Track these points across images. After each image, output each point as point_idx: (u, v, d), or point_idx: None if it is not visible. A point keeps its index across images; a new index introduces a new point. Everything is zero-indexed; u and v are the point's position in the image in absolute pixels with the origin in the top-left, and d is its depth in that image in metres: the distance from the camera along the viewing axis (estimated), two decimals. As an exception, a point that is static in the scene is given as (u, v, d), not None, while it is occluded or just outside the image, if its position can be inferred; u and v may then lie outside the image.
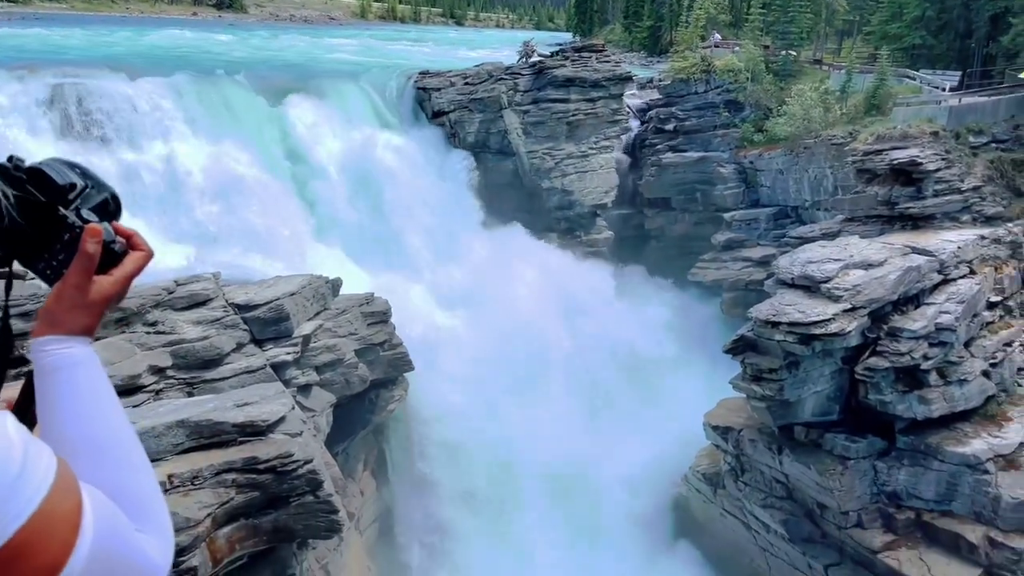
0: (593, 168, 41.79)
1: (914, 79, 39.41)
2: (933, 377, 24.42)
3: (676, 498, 33.63)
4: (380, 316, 26.92)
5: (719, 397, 30.80)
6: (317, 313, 24.86)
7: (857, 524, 25.28)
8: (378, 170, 35.79)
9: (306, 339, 23.51)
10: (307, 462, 17.17)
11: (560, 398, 34.61)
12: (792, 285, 25.77)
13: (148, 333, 20.78)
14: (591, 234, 42.65)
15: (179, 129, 30.78)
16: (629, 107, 46.52)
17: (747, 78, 43.41)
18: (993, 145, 31.38)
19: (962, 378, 24.52)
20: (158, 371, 20.08)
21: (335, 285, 26.30)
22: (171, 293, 21.73)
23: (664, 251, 45.27)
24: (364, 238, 34.52)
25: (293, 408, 18.39)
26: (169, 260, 27.41)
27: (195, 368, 20.85)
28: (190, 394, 20.12)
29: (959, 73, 39.60)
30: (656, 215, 45.55)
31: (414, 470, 30.52)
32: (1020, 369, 26.03)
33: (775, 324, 24.45)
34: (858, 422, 25.98)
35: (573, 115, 41.04)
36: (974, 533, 23.49)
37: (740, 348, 26.52)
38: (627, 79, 43.53)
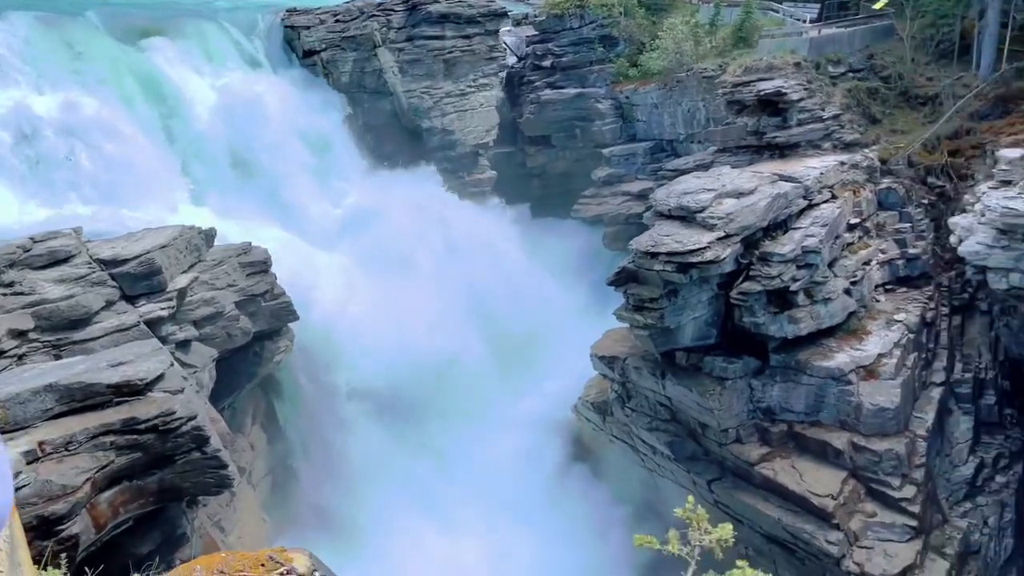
0: (473, 107, 41.37)
1: (777, 12, 40.67)
2: (801, 298, 25.86)
3: (568, 427, 34.67)
4: (259, 266, 26.05)
5: (605, 328, 31.71)
6: (192, 266, 23.78)
7: (736, 440, 26.79)
8: (248, 114, 34.17)
9: (181, 293, 22.49)
10: (191, 419, 16.58)
11: (452, 336, 34.75)
12: (669, 216, 26.53)
13: (5, 295, 19.37)
14: (474, 174, 42.46)
15: (23, 76, 28.34)
16: (506, 44, 46.10)
17: (620, 12, 43.69)
18: (850, 75, 32.94)
19: (827, 297, 26.08)
20: (19, 334, 18.80)
21: (209, 236, 25.19)
22: (27, 251, 20.24)
23: (547, 188, 45.66)
24: (237, 185, 33.13)
25: (172, 365, 17.63)
26: (25, 217, 25.50)
27: (61, 329, 19.64)
28: (57, 356, 18.98)
29: (818, 5, 41.12)
30: (537, 153, 45.73)
31: (306, 418, 30.13)
32: (877, 286, 27.90)
33: (654, 255, 25.19)
34: (734, 344, 27.32)
35: (449, 52, 40.31)
36: (840, 439, 25.33)
37: (622, 280, 27.23)
38: (502, 15, 43.03)
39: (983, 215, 22.67)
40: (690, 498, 6.53)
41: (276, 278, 26.65)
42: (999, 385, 26.80)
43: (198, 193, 31.46)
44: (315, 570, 8.44)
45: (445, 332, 34.32)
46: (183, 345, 22.51)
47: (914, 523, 24.12)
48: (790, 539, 25.51)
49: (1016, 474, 26.14)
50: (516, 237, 41.21)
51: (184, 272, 23.15)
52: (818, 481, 25.00)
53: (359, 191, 37.34)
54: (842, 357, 25.63)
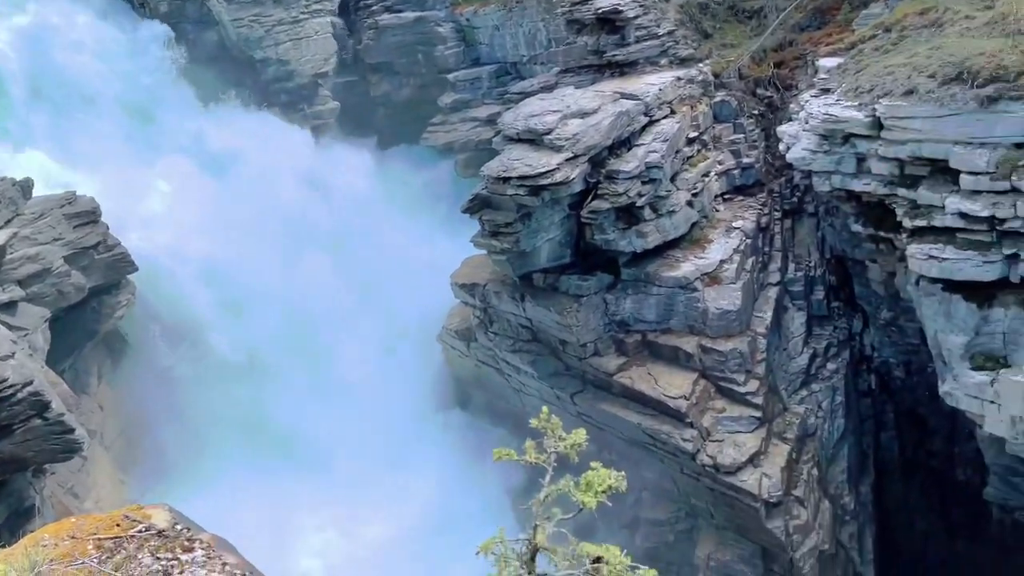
0: (308, 34, 39.50)
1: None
2: (647, 212, 26.81)
3: (434, 357, 34.92)
4: (87, 216, 24.22)
5: (463, 256, 31.82)
6: (8, 220, 21.81)
7: (595, 353, 27.84)
8: (55, 47, 31.14)
9: (0, 251, 20.63)
10: (26, 384, 15.47)
11: (306, 277, 33.90)
12: (518, 140, 26.63)
13: None
14: (315, 106, 40.83)
15: None
16: (337, -35, 43.98)
17: (455, -69, 42.53)
18: (681, -11, 33.66)
19: (671, 210, 27.16)
20: None
21: (25, 187, 23.09)
22: None
23: (394, 118, 44.57)
24: (51, 131, 30.38)
25: (-3, 329, 16.29)
26: None
27: None
28: None
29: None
30: (380, 81, 44.38)
31: (157, 373, 28.78)
32: (716, 196, 29.28)
33: (506, 179, 25.32)
34: (587, 262, 28.13)
35: (276, -25, 38.13)
36: (689, 344, 26.83)
37: (476, 206, 27.27)
38: (331, -66, 40.93)
39: (806, 122, 24.06)
40: (544, 408, 6.74)
41: (108, 228, 24.92)
42: (827, 281, 29.03)
43: (3, 139, 28.67)
44: (176, 523, 8.15)
45: (298, 274, 33.44)
46: (8, 307, 20.79)
47: (758, 414, 26.09)
48: (649, 440, 27.06)
49: (844, 360, 28.65)
50: (366, 169, 40.27)
51: (0, 228, 21.20)
52: (672, 384, 26.48)
53: (191, 130, 35.17)
54: (687, 266, 26.91)
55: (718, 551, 27.11)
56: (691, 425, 25.96)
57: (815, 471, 27.07)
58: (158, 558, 7.68)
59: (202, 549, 7.82)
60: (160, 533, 8.05)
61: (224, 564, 7.66)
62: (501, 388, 32.01)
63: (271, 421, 31.15)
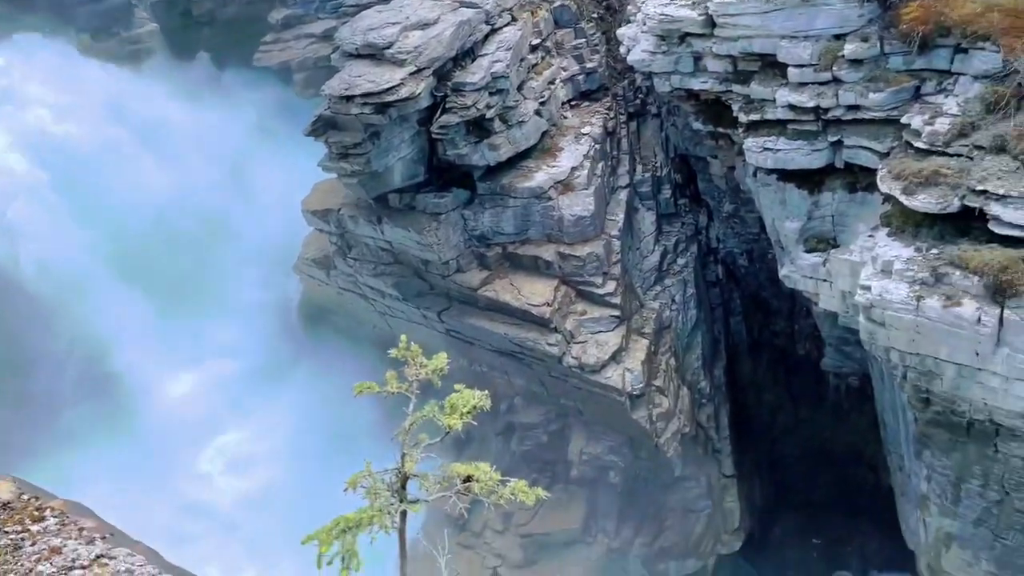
0: (114, -50, 35.96)
1: None
2: (497, 124, 26.63)
3: (294, 288, 33.99)
4: None
5: (312, 182, 30.72)
6: None
7: (458, 269, 27.90)
8: None
9: None
10: None
11: (145, 221, 31.88)
12: (358, 56, 25.57)
13: None
14: (132, 29, 37.53)
15: None
16: None
17: None
18: None
19: (520, 120, 27.08)
20: None
21: None
22: None
23: (222, 38, 41.63)
24: None
25: None
26: None
27: None
28: None
29: None
30: (202, -3, 41.23)
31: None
32: (563, 103, 29.43)
33: (349, 98, 24.39)
34: (442, 179, 27.81)
35: None
36: (548, 252, 27.33)
37: (321, 128, 26.23)
38: None
39: (644, 24, 24.33)
40: (403, 337, 6.68)
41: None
42: (672, 179, 30.09)
43: None
44: (22, 493, 7.65)
45: (138, 218, 31.38)
46: None
47: (617, 313, 27.16)
48: (517, 349, 27.71)
49: (692, 254, 30.11)
50: (196, 95, 37.68)
51: None
52: (534, 293, 27.03)
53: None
54: (541, 176, 27.13)
55: (589, 445, 28.50)
56: (555, 330, 26.73)
57: (673, 361, 28.66)
58: (5, 532, 7.23)
59: (54, 517, 7.42)
60: (5, 506, 7.57)
61: (81, 529, 7.30)
62: (366, 314, 31.67)
63: (130, 369, 29.71)
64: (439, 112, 25.90)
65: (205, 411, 30.02)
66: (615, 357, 26.70)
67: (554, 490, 29.04)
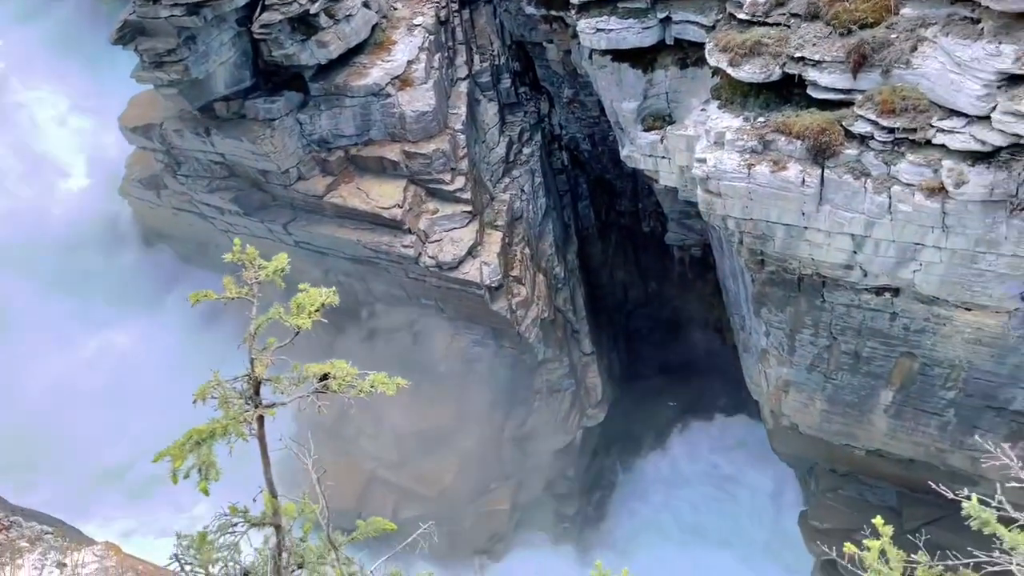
0: None
1: None
2: (324, 19, 25.18)
3: (124, 213, 31.75)
4: None
5: (128, 96, 28.34)
6: None
7: (299, 178, 26.82)
8: None
9: None
10: None
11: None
12: (160, -49, 23.29)
13: None
14: None
15: None
16: None
17: None
18: None
19: (348, 14, 25.72)
20: None
21: None
22: None
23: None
24: None
25: None
26: None
27: None
28: None
29: None
30: None
31: None
32: (393, -7, 28.18)
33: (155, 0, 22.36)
34: (272, 83, 26.28)
35: None
36: (393, 152, 26.66)
37: (128, 35, 23.99)
38: None
39: (468, -95, 23.45)
40: (236, 240, 6.33)
41: None
42: (511, 68, 29.76)
43: None
44: None
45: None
46: None
47: (469, 208, 27.10)
48: (372, 254, 27.29)
49: (537, 143, 30.23)
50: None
51: None
52: (383, 195, 26.48)
53: None
54: (376, 72, 26.13)
55: (454, 341, 28.88)
56: (409, 231, 26.44)
57: (527, 250, 29.12)
58: None
59: None
60: None
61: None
62: (208, 233, 30.10)
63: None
64: (259, 10, 24.22)
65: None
66: (471, 252, 26.81)
67: (424, 388, 29.45)
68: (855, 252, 19.62)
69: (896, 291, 20.14)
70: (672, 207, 27.69)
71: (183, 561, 6.42)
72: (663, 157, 23.27)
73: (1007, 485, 5.77)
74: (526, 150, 29.79)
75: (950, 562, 6.08)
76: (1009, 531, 5.96)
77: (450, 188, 26.86)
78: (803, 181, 18.68)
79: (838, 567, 27.33)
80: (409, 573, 7.96)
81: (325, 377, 5.96)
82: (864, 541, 6.94)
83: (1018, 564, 5.23)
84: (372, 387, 5.96)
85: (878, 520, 7.05)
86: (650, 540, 30.87)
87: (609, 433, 33.95)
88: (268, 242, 27.89)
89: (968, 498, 6.14)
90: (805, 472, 29.11)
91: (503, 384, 29.41)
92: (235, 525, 6.39)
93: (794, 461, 28.77)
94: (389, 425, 28.79)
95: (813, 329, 22.52)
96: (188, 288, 28.97)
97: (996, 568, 5.21)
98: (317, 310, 6.09)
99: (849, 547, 6.92)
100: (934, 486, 7.50)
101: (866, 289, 20.47)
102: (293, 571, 6.92)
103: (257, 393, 5.92)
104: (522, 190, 29.32)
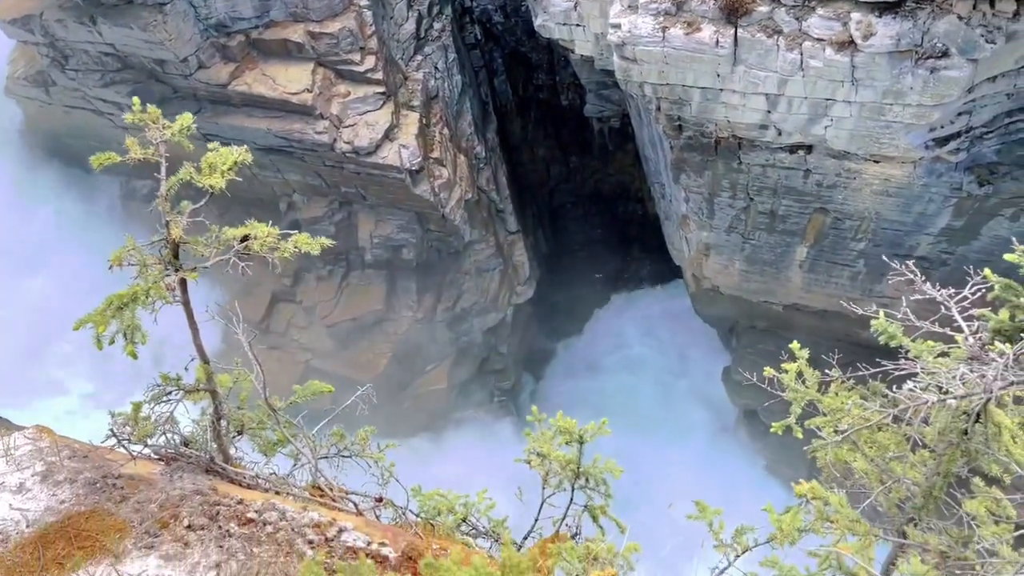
0: None
1: None
2: None
3: (12, 112, 29.74)
4: None
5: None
6: None
7: (200, 66, 25.41)
8: None
9: None
10: None
11: None
12: None
13: None
14: None
15: None
16: None
17: None
18: None
19: None
20: None
21: None
22: None
23: None
24: None
25: None
26: None
27: None
28: None
29: None
30: None
31: None
32: None
33: None
34: (158, -38, 24.42)
35: None
36: (297, 33, 25.38)
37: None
38: None
39: None
40: (135, 99, 5.99)
41: None
42: (415, -63, 28.33)
43: None
44: None
45: None
46: None
47: (382, 89, 26.26)
48: (285, 143, 26.38)
49: (448, 17, 29.13)
50: None
51: None
52: (291, 80, 25.41)
53: None
54: (271, -54, 24.54)
55: (378, 228, 28.56)
56: (321, 117, 25.58)
57: (446, 130, 28.57)
58: None
59: None
60: None
61: None
62: (106, 130, 28.48)
63: None
64: None
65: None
66: (388, 135, 26.17)
67: (352, 277, 29.31)
68: (769, 112, 19.89)
69: (809, 148, 20.63)
70: (589, 78, 27.37)
71: (120, 437, 6.36)
72: (577, 25, 22.83)
73: (911, 298, 6.13)
74: (437, 25, 28.73)
75: (860, 373, 6.51)
76: (913, 342, 6.37)
77: (360, 69, 25.89)
78: (717, 42, 18.63)
79: (759, 415, 29.16)
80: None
81: (246, 239, 5.82)
82: (782, 364, 7.34)
83: (921, 368, 5.62)
84: (296, 247, 5.85)
85: (794, 344, 7.44)
86: (585, 405, 32.09)
87: (539, 309, 34.59)
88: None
89: (876, 315, 6.51)
90: (727, 331, 30.43)
91: (432, 268, 29.43)
92: (169, 394, 6.35)
93: (717, 321, 29.99)
94: (320, 315, 28.69)
95: (731, 191, 23.04)
96: (87, 181, 27.90)
97: (902, 372, 5.60)
98: (230, 168, 5.87)
99: (768, 370, 7.31)
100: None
101: (780, 148, 20.91)
102: (234, 437, 6.97)
103: (176, 256, 5.75)
104: (436, 67, 28.46)
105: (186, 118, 5.82)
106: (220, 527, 5.65)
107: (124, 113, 26.23)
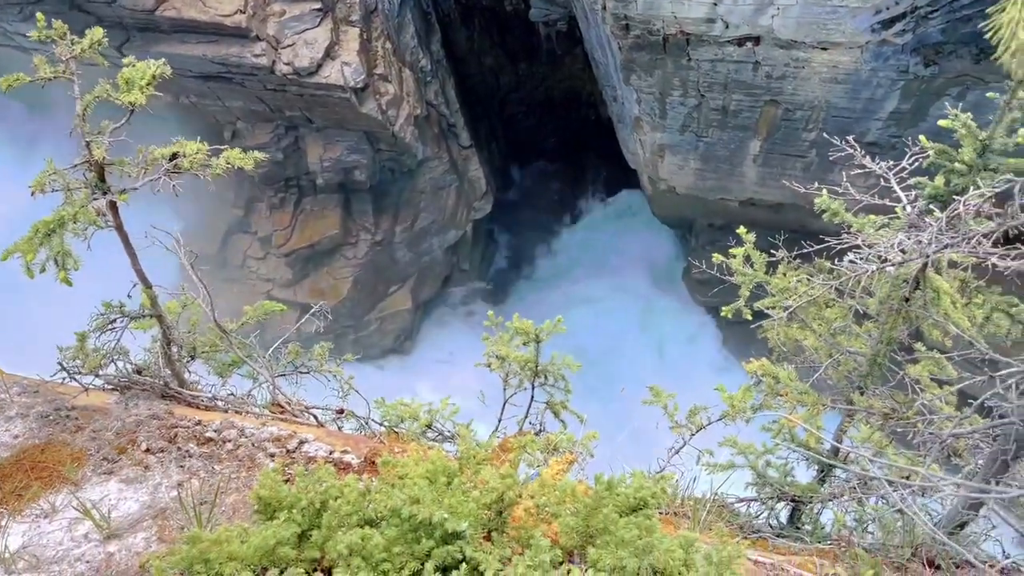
0: None
1: None
2: None
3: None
4: None
5: None
6: None
7: (123, -8, 24.19)
8: None
9: None
10: None
11: None
12: None
13: None
14: None
15: None
16: None
17: None
18: None
19: None
20: None
21: None
22: None
23: None
24: None
25: None
26: None
27: None
28: None
29: None
30: None
31: None
32: None
33: None
34: None
35: None
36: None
37: None
38: None
39: None
40: (39, 15, 5.66)
41: None
42: None
43: None
44: None
45: None
46: None
47: (318, 5, 25.26)
48: (223, 69, 25.44)
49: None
50: None
51: None
52: (221, 2, 24.33)
53: None
54: None
55: (327, 151, 27.94)
56: (257, 38, 24.62)
57: (388, 45, 27.71)
58: None
59: None
60: None
61: None
62: (22, 66, 27.11)
63: None
64: None
65: None
66: (329, 53, 25.33)
67: (305, 203, 28.84)
68: (715, 4, 19.58)
69: (757, 40, 20.41)
70: (533, -19, 26.66)
71: (70, 370, 6.27)
72: (516, -76, 22.04)
73: (852, 173, 6.18)
74: (370, -66, 27.51)
75: (806, 251, 6.60)
76: (855, 216, 6.45)
77: (294, -16, 24.84)
78: (659, -68, 18.16)
79: (719, 312, 29.72)
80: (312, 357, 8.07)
81: (175, 156, 5.62)
82: (730, 250, 7.41)
83: (862, 240, 5.71)
84: (229, 163, 5.66)
85: (741, 229, 7.49)
86: (552, 311, 32.42)
87: (499, 222, 34.46)
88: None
89: (820, 192, 6.56)
90: (686, 231, 30.68)
91: (386, 188, 29.03)
92: (113, 322, 6.23)
93: (675, 222, 30.19)
94: (276, 244, 28.31)
95: (682, 90, 22.84)
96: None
97: (844, 245, 5.69)
98: (149, 83, 5.61)
99: (717, 256, 7.38)
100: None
101: (729, 42, 20.67)
102: (187, 361, 6.92)
103: (103, 179, 5.55)
104: (373, -17, 27.39)
105: (96, 32, 5.51)
106: (179, 448, 5.66)
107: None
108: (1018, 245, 4.55)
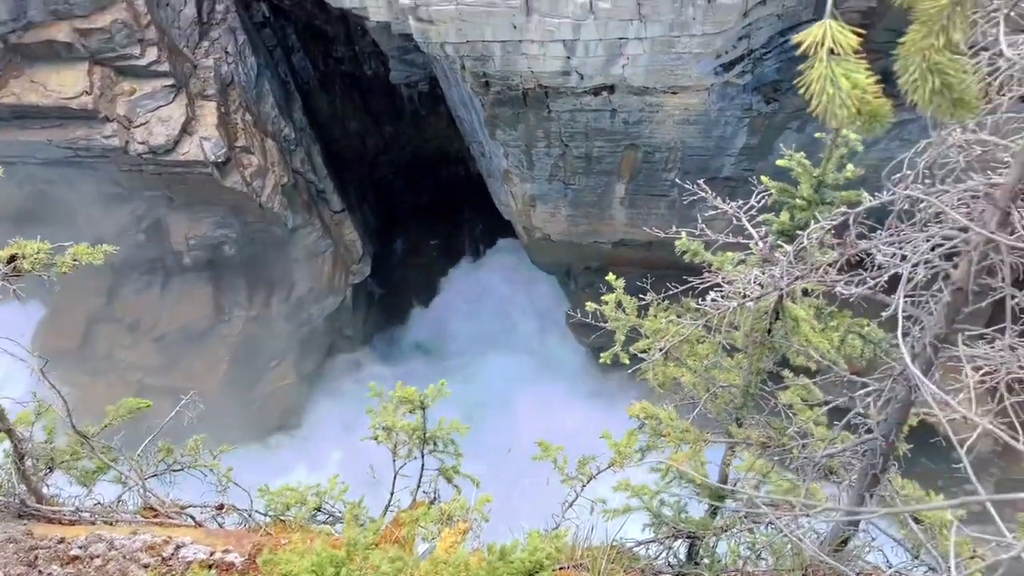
0: None
1: None
2: None
3: None
4: None
5: None
6: None
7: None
8: None
9: None
10: None
11: None
12: None
13: None
14: None
15: None
16: None
17: None
18: None
19: None
20: None
21: None
22: None
23: None
24: None
25: None
26: None
27: None
28: None
29: None
30: None
31: None
32: None
33: None
34: None
35: None
36: (62, 32, 23.25)
37: None
38: None
39: None
40: None
41: None
42: (180, -85, 26.51)
43: None
44: None
45: None
46: None
47: (171, 81, 24.63)
48: (71, 154, 24.35)
49: (231, -4, 27.66)
50: None
51: None
52: (64, 84, 23.37)
53: None
54: (15, -62, 22.22)
55: (192, 229, 26.99)
56: (107, 119, 23.72)
57: (248, 116, 27.26)
58: None
59: None
60: None
61: None
62: None
63: None
64: None
65: None
66: (186, 129, 24.67)
67: (172, 284, 27.68)
68: (569, 57, 20.33)
69: (611, 88, 21.31)
70: (390, 44, 26.87)
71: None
72: (367, -9, 22.28)
73: (705, 215, 6.48)
74: (219, 7, 27.19)
75: (673, 292, 6.83)
76: (714, 255, 6.75)
77: (143, 63, 24.15)
78: (507, -7, 18.77)
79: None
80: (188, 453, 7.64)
81: (13, 259, 5.24)
82: (602, 297, 7.58)
83: (722, 278, 5.96)
84: (75, 259, 5.34)
85: (610, 276, 7.69)
86: (442, 369, 32.07)
87: (380, 284, 34.11)
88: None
89: (679, 235, 6.83)
90: (564, 275, 31.28)
91: (258, 261, 28.24)
92: (-46, 442, 5.69)
93: (553, 267, 30.74)
94: (144, 330, 26.93)
95: (546, 140, 23.50)
96: None
97: (707, 283, 5.93)
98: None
99: (590, 305, 7.53)
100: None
101: (585, 92, 21.48)
102: (44, 474, 6.39)
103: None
104: (226, 52, 27.00)
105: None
106: (40, 572, 5.18)
107: None
108: (860, 271, 4.86)
